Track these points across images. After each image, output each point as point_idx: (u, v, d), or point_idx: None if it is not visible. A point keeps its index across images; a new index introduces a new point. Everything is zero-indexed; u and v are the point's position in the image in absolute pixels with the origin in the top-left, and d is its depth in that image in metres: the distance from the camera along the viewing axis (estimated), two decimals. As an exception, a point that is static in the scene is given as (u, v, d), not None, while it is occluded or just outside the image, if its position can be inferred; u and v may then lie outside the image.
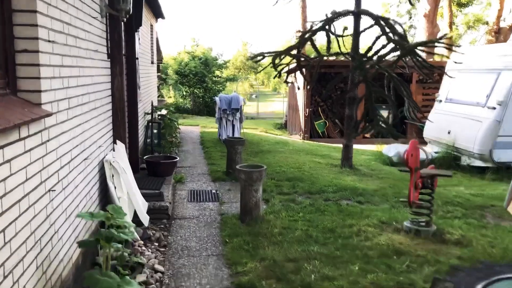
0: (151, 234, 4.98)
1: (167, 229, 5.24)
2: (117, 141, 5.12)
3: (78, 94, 3.82)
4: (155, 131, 7.94)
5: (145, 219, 4.77)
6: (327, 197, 6.46)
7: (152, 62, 11.84)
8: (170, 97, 25.63)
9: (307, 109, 14.90)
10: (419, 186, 4.74)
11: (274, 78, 8.90)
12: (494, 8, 18.44)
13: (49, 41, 3.02)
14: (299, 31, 18.32)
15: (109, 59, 5.26)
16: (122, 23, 5.57)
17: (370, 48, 7.69)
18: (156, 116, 10.00)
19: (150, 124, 7.73)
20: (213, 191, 6.81)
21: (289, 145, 11.51)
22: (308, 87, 14.72)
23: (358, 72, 7.74)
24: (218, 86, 25.09)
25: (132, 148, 6.86)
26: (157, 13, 12.37)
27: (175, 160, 6.93)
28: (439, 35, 18.50)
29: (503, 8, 17.97)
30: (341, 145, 13.07)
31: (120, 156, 4.74)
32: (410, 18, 24.36)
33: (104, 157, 4.81)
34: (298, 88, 14.63)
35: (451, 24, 19.73)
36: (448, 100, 10.56)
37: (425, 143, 11.70)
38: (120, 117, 5.49)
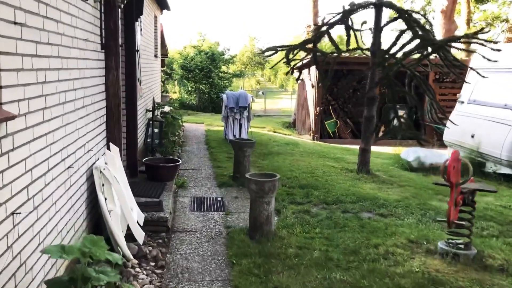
0: (147, 251, 4.34)
1: (165, 245, 4.60)
2: (111, 144, 4.48)
3: (60, 91, 3.18)
4: (156, 130, 7.30)
5: (139, 235, 4.13)
6: (346, 209, 5.80)
7: (156, 56, 11.18)
8: (175, 92, 25.00)
9: (317, 108, 14.22)
10: (459, 204, 4.07)
11: (286, 74, 8.22)
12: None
13: (15, 23, 2.37)
14: (312, 25, 17.61)
15: (103, 50, 4.62)
16: (119, 10, 4.93)
17: (394, 44, 7.00)
18: (158, 114, 9.37)
19: (151, 122, 7.08)
20: (219, 198, 6.17)
21: (300, 146, 10.84)
22: (320, 84, 14.03)
23: (380, 70, 7.06)
24: (224, 82, 24.41)
25: (130, 149, 6.23)
26: (162, 4, 11.72)
27: (177, 163, 6.29)
28: (456, 32, 17.73)
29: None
30: (354, 147, 12.39)
31: (112, 162, 4.10)
32: (425, 14, 23.47)
33: (94, 162, 4.17)
34: (313, 86, 13.93)
35: (468, 21, 18.94)
36: (471, 102, 9.83)
37: (444, 146, 11.01)
38: (115, 116, 4.86)
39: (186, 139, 11.31)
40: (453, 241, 4.28)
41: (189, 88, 24.19)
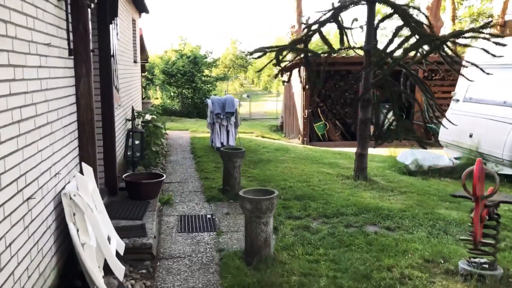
0: (129, 286, 3.77)
1: (150, 276, 4.03)
2: (83, 165, 3.90)
3: (13, 107, 2.60)
4: (137, 141, 6.71)
5: (119, 270, 3.56)
6: (348, 222, 5.29)
7: (135, 61, 10.58)
8: (157, 98, 24.30)
9: (306, 111, 13.75)
10: (485, 219, 3.59)
11: (275, 77, 7.72)
12: (499, 0, 17.47)
13: None
14: (296, 25, 17.17)
15: (72, 56, 4.04)
16: (90, 10, 4.36)
17: (390, 41, 6.55)
18: (139, 123, 8.78)
19: (130, 134, 6.48)
20: (208, 216, 5.61)
21: (291, 152, 10.33)
22: (307, 86, 13.57)
23: (377, 70, 6.59)
24: (208, 86, 23.82)
25: (108, 165, 5.63)
26: (140, 7, 11.13)
27: (161, 178, 5.70)
28: (442, 29, 17.47)
29: (509, 0, 17.00)
30: (346, 150, 11.94)
31: (84, 186, 3.52)
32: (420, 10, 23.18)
33: (64, 187, 3.59)
34: (304, 89, 13.39)
35: (454, 17, 18.72)
36: (467, 99, 9.46)
37: (440, 146, 10.62)
38: (88, 130, 4.27)
39: (170, 148, 10.72)
40: (476, 259, 3.80)
41: (172, 93, 23.55)
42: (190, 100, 22.88)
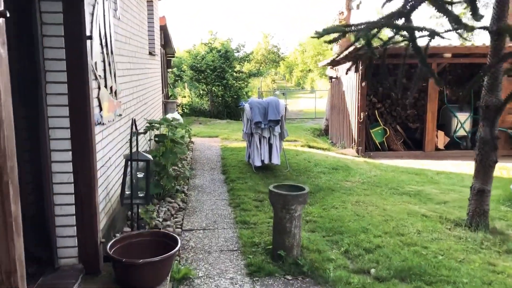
0: None
1: None
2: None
3: None
4: (140, 175, 4.33)
5: None
6: None
7: (152, 54, 8.24)
8: (185, 96, 22.13)
9: (361, 113, 11.14)
10: None
11: (348, 70, 5.24)
12: None
13: None
14: (345, 11, 14.59)
15: None
16: None
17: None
18: (152, 137, 6.47)
19: (130, 164, 4.08)
20: (254, 320, 3.18)
21: (354, 172, 7.76)
22: (364, 84, 10.96)
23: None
24: (240, 82, 21.41)
25: (83, 225, 3.31)
26: (159, -15, 8.80)
27: (173, 251, 3.28)
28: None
29: None
30: (418, 166, 9.17)
31: None
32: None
33: None
34: (360, 87, 10.68)
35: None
36: None
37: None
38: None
39: (196, 164, 8.37)
40: None
41: (201, 91, 21.31)
42: (220, 98, 20.58)
